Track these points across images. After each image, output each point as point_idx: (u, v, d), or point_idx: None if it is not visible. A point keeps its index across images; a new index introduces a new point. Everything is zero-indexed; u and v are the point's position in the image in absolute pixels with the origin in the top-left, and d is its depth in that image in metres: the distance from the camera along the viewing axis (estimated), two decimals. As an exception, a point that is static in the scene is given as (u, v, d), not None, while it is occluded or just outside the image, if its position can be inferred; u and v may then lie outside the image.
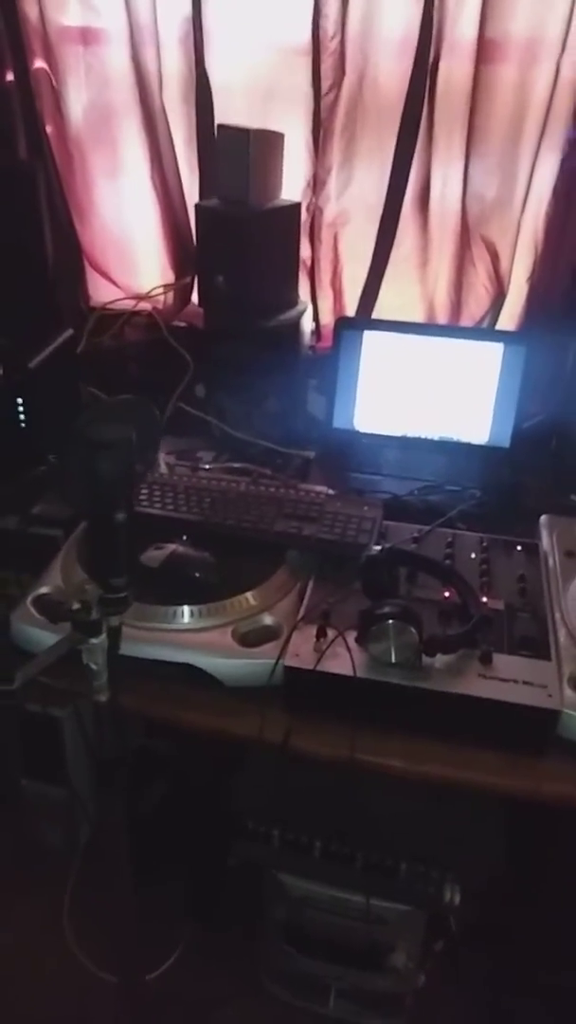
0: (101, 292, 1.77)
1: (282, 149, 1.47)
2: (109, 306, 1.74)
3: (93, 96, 1.57)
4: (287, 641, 1.02)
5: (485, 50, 1.36)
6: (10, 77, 1.56)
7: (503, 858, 1.31)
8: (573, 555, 1.20)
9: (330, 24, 1.39)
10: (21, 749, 1.57)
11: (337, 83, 1.44)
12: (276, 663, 1.00)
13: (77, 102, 1.59)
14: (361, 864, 1.24)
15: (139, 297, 1.72)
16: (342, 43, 1.40)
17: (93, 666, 0.80)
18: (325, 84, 1.44)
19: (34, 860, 1.67)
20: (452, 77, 1.39)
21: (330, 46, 1.41)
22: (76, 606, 0.76)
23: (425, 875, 1.23)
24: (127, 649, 0.94)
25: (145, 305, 1.72)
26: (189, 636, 1.04)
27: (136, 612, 1.04)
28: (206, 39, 1.47)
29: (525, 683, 0.96)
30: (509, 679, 0.97)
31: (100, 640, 0.79)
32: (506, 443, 1.49)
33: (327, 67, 1.43)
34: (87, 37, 1.53)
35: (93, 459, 0.71)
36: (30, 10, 1.50)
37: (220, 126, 1.45)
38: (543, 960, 1.49)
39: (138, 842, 1.03)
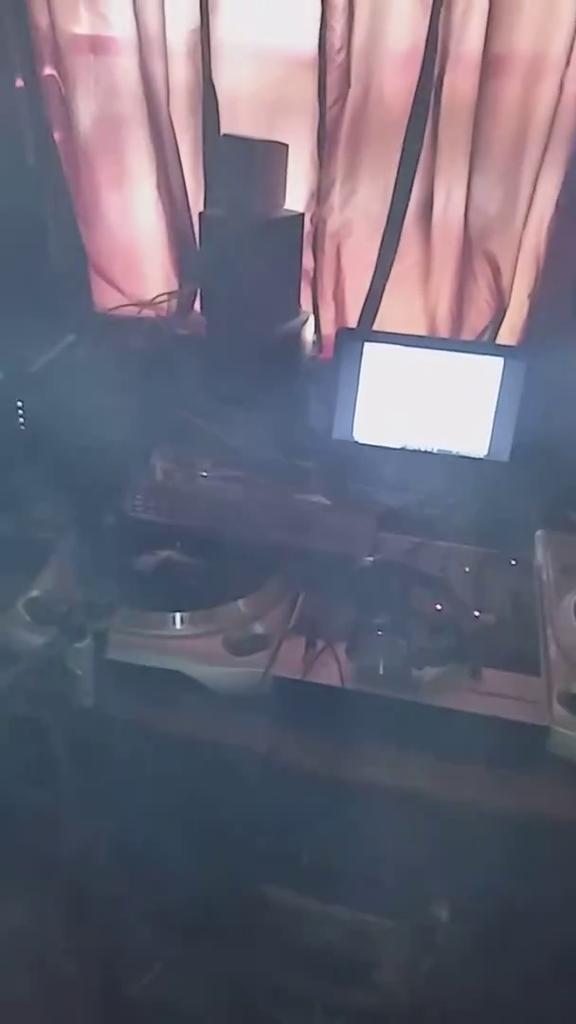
0: (107, 298, 1.78)
1: (286, 160, 1.47)
2: (113, 312, 1.75)
3: (101, 104, 1.58)
4: (277, 650, 1.01)
5: (490, 65, 1.36)
6: (20, 83, 1.57)
7: (495, 874, 1.29)
8: (567, 571, 1.19)
9: (336, 37, 1.39)
10: (14, 755, 1.57)
11: (343, 95, 1.44)
12: (266, 672, 0.99)
13: (85, 110, 1.59)
14: (347, 876, 1.23)
15: (143, 304, 1.72)
16: (348, 56, 1.41)
17: (78, 671, 0.80)
18: (331, 96, 1.45)
19: (24, 866, 1.66)
20: (457, 91, 1.39)
21: (336, 59, 1.41)
22: (63, 610, 0.77)
23: (413, 890, 1.22)
24: (117, 655, 0.94)
25: (149, 312, 1.73)
26: (180, 643, 1.04)
27: (127, 618, 1.04)
28: (214, 51, 1.47)
29: (515, 698, 0.96)
30: (498, 694, 0.96)
31: (85, 644, 0.79)
32: (505, 457, 1.48)
33: (333, 79, 1.43)
34: (96, 46, 1.54)
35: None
36: (40, 18, 1.51)
37: (225, 136, 1.46)
38: (536, 979, 1.47)
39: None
